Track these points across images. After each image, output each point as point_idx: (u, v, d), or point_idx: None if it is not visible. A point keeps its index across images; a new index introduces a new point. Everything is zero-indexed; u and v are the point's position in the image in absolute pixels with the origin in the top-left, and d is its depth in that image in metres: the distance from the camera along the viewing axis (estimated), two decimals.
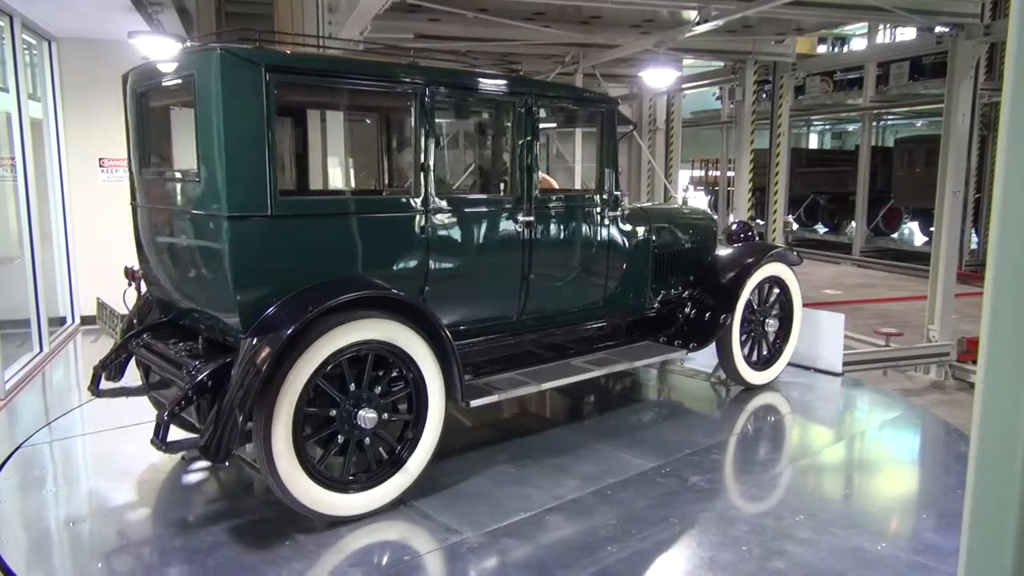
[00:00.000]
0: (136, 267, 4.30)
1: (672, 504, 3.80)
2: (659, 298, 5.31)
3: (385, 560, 3.38)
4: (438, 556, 3.39)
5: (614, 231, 4.83)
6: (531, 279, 4.36)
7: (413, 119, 3.80)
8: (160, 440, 3.33)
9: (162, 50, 6.90)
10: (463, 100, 4.66)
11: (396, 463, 3.72)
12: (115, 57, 7.66)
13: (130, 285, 4.65)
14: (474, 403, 3.96)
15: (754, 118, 11.59)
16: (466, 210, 4.13)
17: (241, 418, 3.22)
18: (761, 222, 14.76)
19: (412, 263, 3.85)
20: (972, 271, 14.48)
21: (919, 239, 19.66)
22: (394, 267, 3.80)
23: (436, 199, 3.88)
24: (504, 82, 4.39)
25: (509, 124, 4.32)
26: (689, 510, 3.75)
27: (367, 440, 3.62)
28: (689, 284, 5.48)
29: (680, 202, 6.45)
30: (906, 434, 5.21)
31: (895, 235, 20.50)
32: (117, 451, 4.73)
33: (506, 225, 4.23)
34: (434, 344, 3.74)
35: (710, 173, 25.04)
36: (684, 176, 23.09)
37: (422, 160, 3.80)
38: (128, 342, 4.18)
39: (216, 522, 3.67)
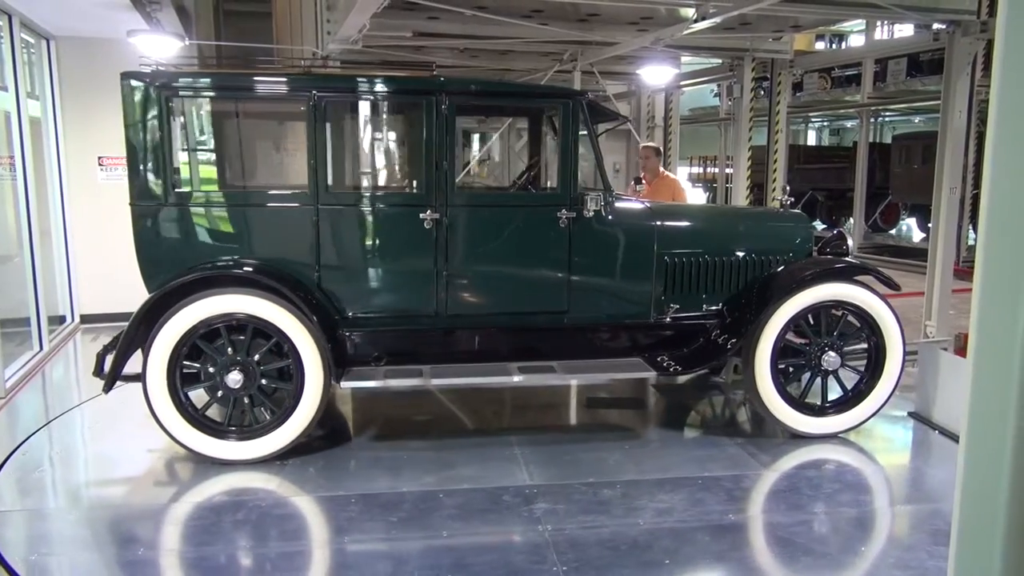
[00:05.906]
0: None
1: (468, 521, 3.66)
2: (675, 311, 4.81)
3: (184, 495, 4.02)
4: (234, 506, 3.84)
5: (576, 232, 4.56)
6: (447, 276, 4.48)
7: (307, 122, 4.31)
8: (97, 370, 4.50)
9: (160, 49, 6.91)
10: (359, 103, 5.12)
11: (275, 424, 4.27)
12: (114, 56, 7.65)
13: None
14: (345, 384, 4.38)
15: (752, 115, 11.58)
16: (358, 206, 4.51)
17: (120, 361, 4.29)
18: None
19: (304, 250, 4.41)
20: (969, 267, 14.45)
21: (917, 235, 19.65)
22: (288, 253, 4.42)
23: (326, 195, 4.38)
24: (405, 85, 4.61)
25: (417, 124, 4.49)
26: (461, 531, 3.55)
27: (245, 399, 4.29)
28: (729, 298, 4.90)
29: (779, 206, 5.98)
30: None
31: (893, 231, 20.50)
32: (116, 448, 4.76)
33: (409, 221, 4.43)
34: (312, 323, 4.21)
35: (708, 170, 25.00)
36: (683, 172, 23.05)
37: (314, 159, 4.33)
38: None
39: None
